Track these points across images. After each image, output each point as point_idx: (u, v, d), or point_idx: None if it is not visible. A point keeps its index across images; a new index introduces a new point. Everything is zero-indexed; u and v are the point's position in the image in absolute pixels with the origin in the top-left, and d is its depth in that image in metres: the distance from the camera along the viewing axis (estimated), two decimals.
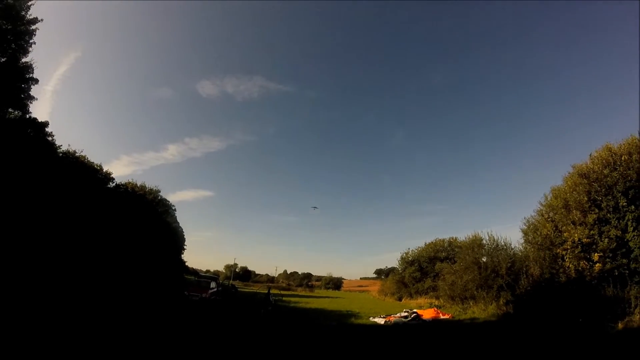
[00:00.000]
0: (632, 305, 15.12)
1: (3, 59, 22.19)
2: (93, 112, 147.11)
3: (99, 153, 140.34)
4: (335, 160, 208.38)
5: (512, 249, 28.05)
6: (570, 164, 22.04)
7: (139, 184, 43.48)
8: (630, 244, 17.15)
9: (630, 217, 17.10)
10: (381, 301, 53.69)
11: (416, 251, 55.90)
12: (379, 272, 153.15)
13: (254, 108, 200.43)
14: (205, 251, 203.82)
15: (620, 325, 14.40)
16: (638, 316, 14.64)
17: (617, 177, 17.41)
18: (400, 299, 50.75)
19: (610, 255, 16.78)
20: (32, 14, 23.10)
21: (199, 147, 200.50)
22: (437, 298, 36.40)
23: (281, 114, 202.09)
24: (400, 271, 58.42)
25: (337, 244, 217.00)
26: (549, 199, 23.64)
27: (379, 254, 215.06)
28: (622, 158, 17.79)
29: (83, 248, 21.51)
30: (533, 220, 24.82)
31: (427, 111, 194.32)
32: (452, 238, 50.28)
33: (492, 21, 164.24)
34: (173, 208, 56.89)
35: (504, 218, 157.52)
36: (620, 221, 17.52)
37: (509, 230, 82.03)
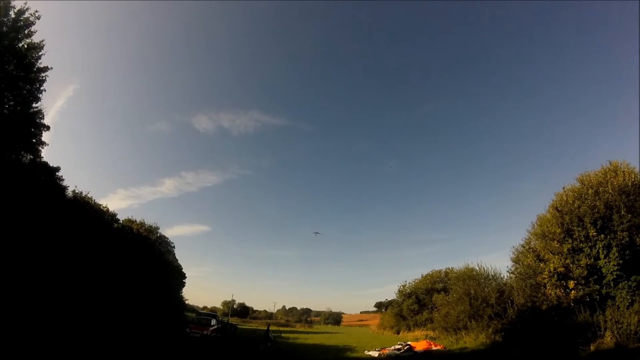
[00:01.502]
0: (602, 329, 16.38)
1: (16, 107, 24.04)
2: (90, 146, 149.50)
3: (96, 186, 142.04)
4: (330, 192, 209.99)
5: (501, 278, 29.32)
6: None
7: (138, 220, 44.56)
8: (603, 270, 18.63)
9: (600, 245, 18.64)
10: (379, 335, 53.55)
11: (413, 283, 56.32)
12: (379, 306, 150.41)
13: (250, 142, 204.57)
14: (202, 287, 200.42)
15: (592, 348, 15.60)
16: (608, 338, 15.87)
17: (586, 209, 19.11)
18: (398, 332, 50.72)
19: (583, 282, 18.19)
20: (42, 62, 24.99)
21: (195, 181, 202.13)
22: (434, 330, 36.93)
23: (276, 147, 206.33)
24: (398, 304, 58.57)
25: (336, 277, 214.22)
26: (535, 227, 25.05)
27: (379, 286, 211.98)
28: (589, 192, 19.59)
29: (90, 291, 22.43)
30: (520, 249, 26.23)
31: (420, 141, 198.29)
32: (449, 269, 50.89)
33: (485, 55, 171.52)
34: (172, 245, 57.67)
35: (505, 244, 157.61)
36: (592, 249, 19.05)
37: (507, 257, 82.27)
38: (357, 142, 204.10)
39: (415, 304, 52.12)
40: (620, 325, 15.96)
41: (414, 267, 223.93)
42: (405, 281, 58.29)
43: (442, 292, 43.55)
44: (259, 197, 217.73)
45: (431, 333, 35.88)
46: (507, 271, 27.29)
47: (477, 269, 31.73)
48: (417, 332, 42.36)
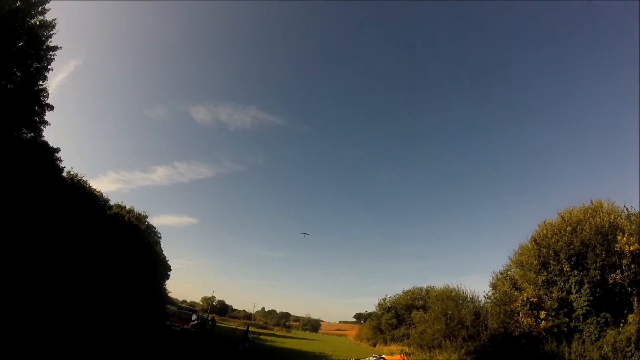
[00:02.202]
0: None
1: (22, 83, 24.06)
2: (85, 123, 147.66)
3: (86, 166, 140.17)
4: (321, 196, 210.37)
5: (479, 301, 30.17)
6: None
7: (127, 206, 44.33)
8: (574, 304, 19.58)
9: (573, 280, 19.61)
10: (356, 346, 54.05)
11: (393, 298, 56.99)
12: (358, 317, 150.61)
13: (246, 138, 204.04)
14: (183, 280, 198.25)
15: None
16: None
17: (563, 245, 20.07)
18: (374, 345, 51.38)
19: (553, 314, 19.07)
20: (52, 41, 24.87)
21: (187, 172, 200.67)
22: (410, 346, 37.60)
23: (271, 146, 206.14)
24: (377, 317, 59.16)
25: (318, 283, 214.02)
26: (516, 255, 25.86)
27: (360, 296, 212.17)
28: (567, 228, 20.56)
29: (78, 277, 22.64)
30: (499, 275, 27.08)
31: (416, 154, 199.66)
32: (430, 286, 51.69)
33: (481, 68, 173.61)
34: (159, 235, 57.54)
35: (491, 266, 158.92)
36: (566, 283, 20.01)
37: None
38: (351, 148, 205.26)
39: (394, 319, 52.74)
40: (583, 359, 16.82)
41: (398, 281, 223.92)
42: (386, 295, 58.91)
43: (421, 310, 44.27)
44: (250, 194, 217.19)
45: (407, 349, 36.54)
46: (484, 295, 28.14)
47: (456, 290, 32.63)
48: (393, 347, 43.00)
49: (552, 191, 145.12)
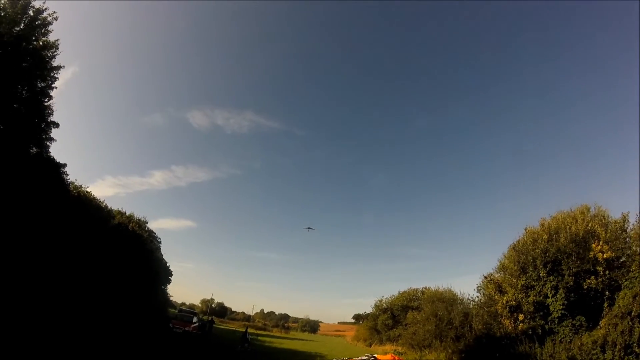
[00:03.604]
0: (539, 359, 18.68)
1: (29, 102, 25.00)
2: (84, 129, 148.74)
3: (84, 170, 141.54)
4: (317, 199, 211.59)
5: (468, 302, 31.59)
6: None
7: (127, 212, 45.24)
8: (550, 307, 20.99)
9: (549, 285, 21.02)
10: (353, 346, 55.43)
11: (390, 299, 58.35)
12: (357, 317, 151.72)
13: (242, 142, 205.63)
14: (181, 282, 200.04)
15: None
16: None
17: (539, 252, 21.50)
18: (370, 345, 52.75)
19: (529, 316, 20.49)
20: (55, 62, 25.00)
21: (184, 176, 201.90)
22: (402, 345, 38.98)
23: (268, 150, 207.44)
24: (373, 318, 60.48)
25: (316, 285, 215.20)
26: (503, 259, 27.15)
27: (359, 297, 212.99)
28: (543, 236, 21.98)
29: (85, 287, 23.47)
30: (484, 280, 28.49)
31: (410, 156, 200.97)
32: (425, 288, 53.01)
33: (477, 72, 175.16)
34: (159, 240, 58.73)
35: (484, 267, 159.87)
36: (543, 288, 21.42)
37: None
38: (348, 151, 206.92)
39: (390, 319, 53.99)
40: (552, 359, 18.24)
41: (396, 282, 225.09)
42: (382, 296, 60.22)
43: (416, 310, 45.68)
44: (247, 197, 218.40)
45: (399, 348, 37.92)
46: (469, 298, 29.55)
47: (447, 292, 34.11)
48: (388, 347, 44.39)
49: (550, 192, 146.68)
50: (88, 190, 31.06)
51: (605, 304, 19.69)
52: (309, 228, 76.26)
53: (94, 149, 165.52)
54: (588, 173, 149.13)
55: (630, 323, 17.18)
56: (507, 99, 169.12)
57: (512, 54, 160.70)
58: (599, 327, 19.36)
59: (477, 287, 29.29)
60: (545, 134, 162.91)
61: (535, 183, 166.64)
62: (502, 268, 24.52)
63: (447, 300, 32.90)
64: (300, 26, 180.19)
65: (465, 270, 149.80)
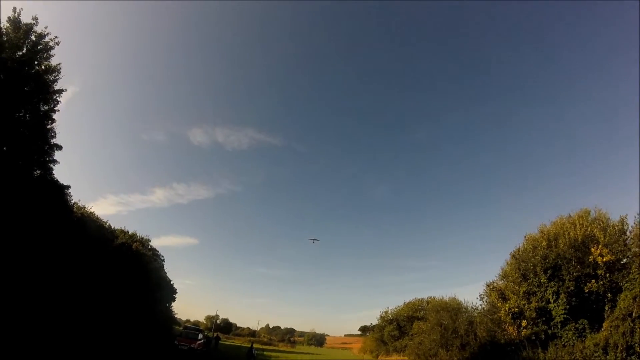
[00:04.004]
0: None
1: (32, 125, 25.33)
2: (85, 148, 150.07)
3: (86, 189, 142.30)
4: (320, 212, 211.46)
5: (472, 310, 31.62)
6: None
7: (130, 231, 45.42)
8: (553, 312, 21.15)
9: (550, 291, 21.25)
10: (359, 358, 55.14)
11: (395, 310, 58.14)
12: (363, 329, 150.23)
13: (243, 159, 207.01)
14: (186, 300, 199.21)
15: None
16: None
17: (539, 258, 21.76)
18: (377, 357, 52.38)
19: (532, 322, 20.66)
20: (57, 85, 24.13)
21: (186, 193, 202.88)
22: (409, 356, 38.83)
23: (269, 165, 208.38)
24: (380, 329, 60.13)
25: (322, 299, 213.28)
26: (505, 266, 27.33)
27: (365, 309, 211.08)
28: (543, 243, 22.26)
29: (89, 307, 23.72)
30: (486, 288, 28.62)
31: (411, 167, 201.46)
32: (430, 297, 52.90)
33: (475, 81, 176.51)
34: (162, 259, 58.75)
35: (489, 275, 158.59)
36: (545, 294, 21.62)
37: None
38: (348, 165, 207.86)
39: (396, 330, 53.74)
40: None
41: (402, 293, 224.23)
42: (388, 307, 59.95)
43: (421, 320, 45.52)
44: (248, 214, 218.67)
45: (406, 359, 37.81)
46: (473, 306, 29.65)
47: (451, 301, 34.09)
48: (394, 357, 44.25)
49: (553, 197, 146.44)
50: (92, 210, 31.32)
51: (607, 307, 19.90)
52: (314, 240, 77.18)
53: (96, 168, 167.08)
54: (590, 176, 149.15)
55: (631, 324, 17.45)
56: (506, 107, 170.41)
57: (509, 57, 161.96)
58: (601, 329, 19.55)
59: (480, 295, 29.56)
60: (545, 139, 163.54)
61: (537, 189, 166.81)
62: (504, 276, 24.74)
63: (452, 309, 32.90)
64: (301, 41, 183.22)
65: (470, 279, 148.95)
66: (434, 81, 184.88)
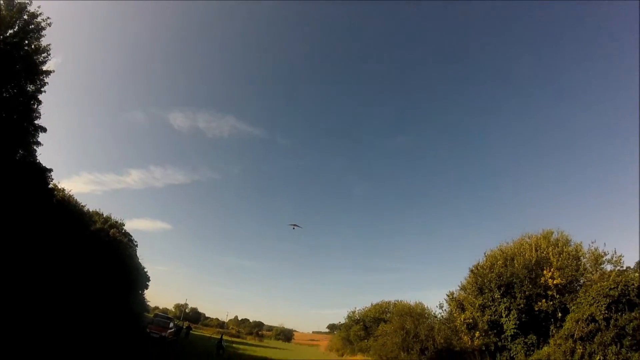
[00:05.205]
0: None
1: (17, 105, 25.02)
2: (62, 122, 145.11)
3: (60, 165, 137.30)
4: (298, 207, 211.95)
5: (434, 316, 33.58)
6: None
7: (105, 213, 44.48)
8: (504, 326, 23.13)
9: (502, 306, 23.20)
10: (325, 356, 56.73)
11: (363, 310, 59.94)
12: (331, 327, 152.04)
13: (223, 147, 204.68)
14: (155, 286, 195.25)
15: None
16: None
17: (494, 275, 23.69)
18: (342, 355, 54.06)
19: (484, 334, 22.55)
20: (45, 66, 24.27)
21: (162, 177, 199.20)
22: (371, 356, 40.59)
23: (249, 156, 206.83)
24: (346, 328, 61.83)
25: (292, 294, 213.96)
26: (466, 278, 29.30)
27: (335, 307, 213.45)
28: (499, 262, 24.21)
29: (65, 289, 23.84)
30: (449, 297, 30.56)
31: (389, 169, 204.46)
32: (397, 301, 54.90)
33: (457, 91, 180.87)
34: (135, 244, 57.89)
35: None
36: (498, 308, 23.56)
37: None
38: (330, 163, 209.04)
39: (362, 331, 55.36)
40: None
41: (371, 293, 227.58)
42: (355, 307, 61.67)
43: (387, 323, 47.37)
44: (224, 203, 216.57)
45: (369, 359, 39.55)
46: (434, 313, 31.61)
47: (417, 305, 36.06)
48: (359, 357, 45.91)
49: (528, 209, 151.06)
50: (70, 193, 31.24)
51: (552, 326, 21.94)
52: (294, 225, 73.04)
53: (70, 143, 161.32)
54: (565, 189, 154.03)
55: (572, 344, 19.48)
56: (485, 114, 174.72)
57: (502, 60, 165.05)
58: (547, 345, 21.59)
59: (439, 304, 31.56)
60: (525, 148, 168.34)
61: (513, 199, 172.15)
62: (463, 288, 26.63)
63: (416, 314, 34.71)
64: (286, 34, 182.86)
65: (440, 283, 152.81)
66: (420, 87, 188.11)
